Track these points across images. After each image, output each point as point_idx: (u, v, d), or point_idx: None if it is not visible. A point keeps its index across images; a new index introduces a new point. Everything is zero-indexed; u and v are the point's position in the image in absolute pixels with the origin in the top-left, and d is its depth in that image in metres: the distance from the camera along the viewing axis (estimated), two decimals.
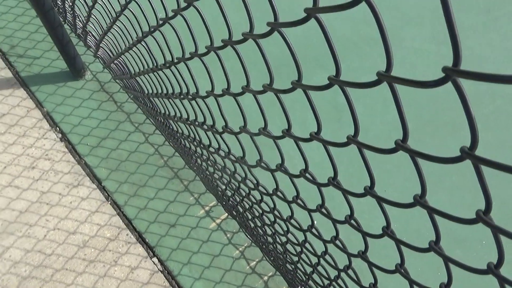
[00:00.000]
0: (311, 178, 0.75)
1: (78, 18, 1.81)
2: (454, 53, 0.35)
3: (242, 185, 1.23)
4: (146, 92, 1.52)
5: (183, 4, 0.72)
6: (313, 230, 0.91)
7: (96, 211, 2.06)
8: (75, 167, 2.19)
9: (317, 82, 2.42)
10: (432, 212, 0.48)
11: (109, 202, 2.09)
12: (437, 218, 0.50)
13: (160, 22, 0.85)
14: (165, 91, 1.22)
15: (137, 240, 1.99)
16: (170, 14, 0.80)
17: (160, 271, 1.92)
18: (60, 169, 2.18)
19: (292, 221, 1.01)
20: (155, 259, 1.95)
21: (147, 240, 1.99)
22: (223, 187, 1.54)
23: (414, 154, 0.45)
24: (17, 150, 2.24)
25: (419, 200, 0.48)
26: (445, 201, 2.03)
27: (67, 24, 2.45)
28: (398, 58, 2.47)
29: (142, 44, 1.09)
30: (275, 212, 1.09)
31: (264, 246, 1.61)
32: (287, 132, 0.69)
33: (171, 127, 1.62)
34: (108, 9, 1.20)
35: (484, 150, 2.14)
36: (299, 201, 0.87)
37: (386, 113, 2.29)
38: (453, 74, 0.34)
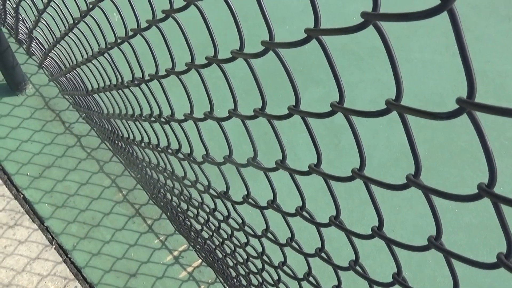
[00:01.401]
0: (309, 217, 0.79)
1: (23, 22, 1.85)
2: (469, 84, 0.40)
3: (223, 225, 1.26)
4: (106, 112, 1.55)
5: (160, 15, 0.77)
6: (311, 278, 0.94)
7: (37, 257, 2.04)
8: (11, 203, 2.18)
9: (309, 98, 2.49)
10: (449, 255, 0.52)
11: (54, 247, 2.08)
12: (455, 262, 0.55)
13: (131, 33, 0.89)
14: (130, 112, 1.25)
15: None
16: (144, 24, 0.85)
17: None
18: None
19: (285, 268, 1.05)
20: None
21: None
22: (199, 227, 1.56)
23: (428, 191, 0.49)
24: None
25: (435, 243, 0.53)
26: (463, 242, 2.09)
27: (6, 28, 2.47)
28: (405, 72, 2.58)
29: (105, 57, 1.13)
30: (264, 257, 1.12)
31: None
32: (281, 164, 0.73)
33: (134, 154, 1.64)
34: (63, 13, 1.24)
35: (510, 180, 2.24)
36: (294, 243, 0.91)
37: (391, 135, 2.37)
38: (468, 106, 0.40)
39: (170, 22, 0.79)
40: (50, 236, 2.11)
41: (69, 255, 2.07)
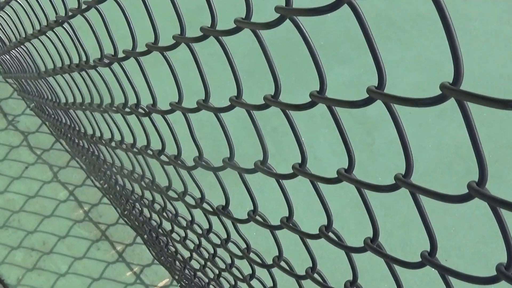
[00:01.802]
0: (336, 239, 0.80)
1: None
2: None
3: (220, 251, 1.27)
4: (64, 101, 1.57)
5: None
6: None
7: None
8: None
9: (333, 82, 2.50)
10: None
11: None
12: None
13: None
14: (97, 101, 1.26)
15: None
16: None
17: None
18: None
19: None
20: None
21: None
22: (187, 254, 1.57)
23: (497, 204, 0.50)
24: None
25: (506, 273, 0.54)
26: None
27: None
28: (463, 47, 2.59)
29: (64, 27, 1.14)
30: None
31: None
32: (301, 169, 0.75)
33: (101, 156, 1.66)
34: None
35: None
36: (316, 275, 0.92)
37: (443, 131, 2.38)
38: None
39: None
40: None
41: None
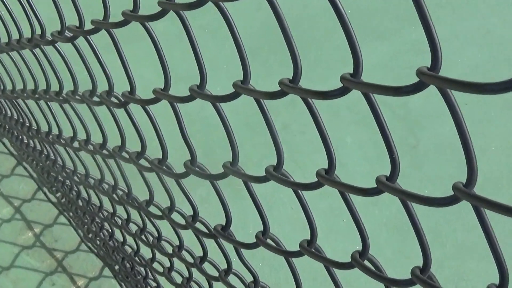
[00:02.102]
0: (373, 269, 0.81)
1: None
2: None
3: (218, 286, 1.27)
4: (10, 87, 1.57)
5: None
6: None
7: None
8: None
9: (364, 59, 2.50)
10: None
11: None
12: None
13: None
14: (56, 88, 1.26)
15: None
16: None
17: None
18: None
19: None
20: None
21: None
22: None
23: None
24: None
25: None
26: None
27: None
28: None
29: None
30: None
31: None
32: (327, 176, 0.75)
33: (59, 160, 1.66)
34: None
35: None
36: None
37: (510, 127, 2.38)
38: None
39: None
40: None
41: None
